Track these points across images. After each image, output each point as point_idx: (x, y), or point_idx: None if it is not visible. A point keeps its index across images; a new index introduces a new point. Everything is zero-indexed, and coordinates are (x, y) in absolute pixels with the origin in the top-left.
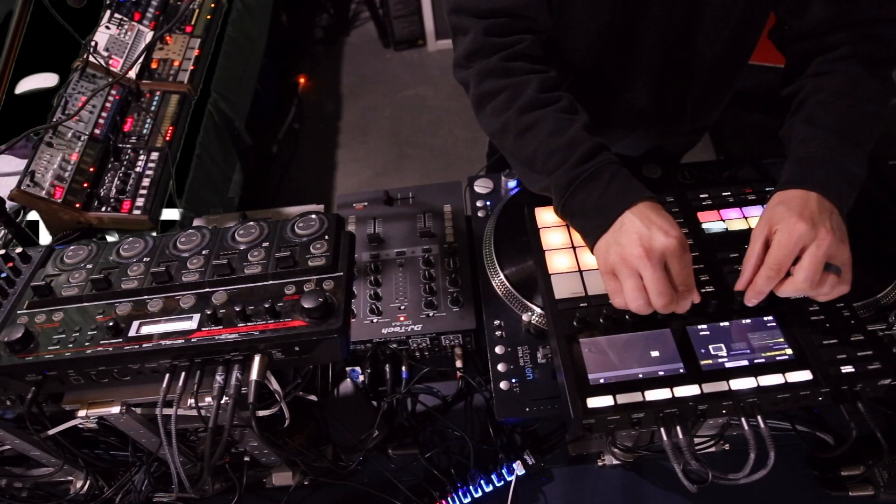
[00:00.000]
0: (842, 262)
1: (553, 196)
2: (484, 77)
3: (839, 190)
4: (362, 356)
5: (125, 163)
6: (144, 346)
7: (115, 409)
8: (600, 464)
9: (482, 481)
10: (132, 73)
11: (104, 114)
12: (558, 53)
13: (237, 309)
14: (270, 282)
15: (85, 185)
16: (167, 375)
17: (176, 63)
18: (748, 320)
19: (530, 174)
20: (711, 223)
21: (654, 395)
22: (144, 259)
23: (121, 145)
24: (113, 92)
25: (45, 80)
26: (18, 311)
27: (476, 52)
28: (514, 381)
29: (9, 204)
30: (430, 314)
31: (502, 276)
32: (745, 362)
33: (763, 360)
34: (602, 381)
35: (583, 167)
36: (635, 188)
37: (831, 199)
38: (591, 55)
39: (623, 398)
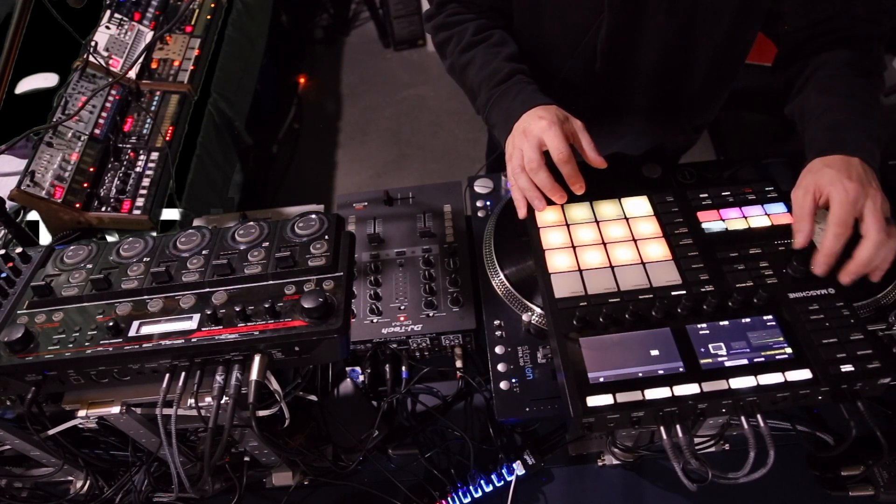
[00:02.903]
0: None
1: (480, 113)
2: (436, 31)
3: (872, 152)
4: (362, 356)
5: (125, 163)
6: (144, 346)
7: (115, 409)
8: (600, 464)
9: (482, 481)
10: (132, 73)
11: (104, 114)
12: (558, 50)
13: (237, 309)
14: (270, 282)
15: (85, 185)
16: (167, 375)
17: (176, 63)
18: (748, 319)
19: (474, 102)
20: (711, 223)
21: (653, 393)
22: (144, 259)
23: (121, 145)
24: (113, 92)
25: (45, 80)
26: (18, 311)
27: (430, 14)
28: (514, 381)
29: (9, 204)
30: (430, 314)
31: (502, 276)
32: (745, 361)
33: (763, 359)
34: (602, 379)
35: (498, 88)
36: (535, 99)
37: (868, 162)
38: (590, 52)
39: (623, 397)
